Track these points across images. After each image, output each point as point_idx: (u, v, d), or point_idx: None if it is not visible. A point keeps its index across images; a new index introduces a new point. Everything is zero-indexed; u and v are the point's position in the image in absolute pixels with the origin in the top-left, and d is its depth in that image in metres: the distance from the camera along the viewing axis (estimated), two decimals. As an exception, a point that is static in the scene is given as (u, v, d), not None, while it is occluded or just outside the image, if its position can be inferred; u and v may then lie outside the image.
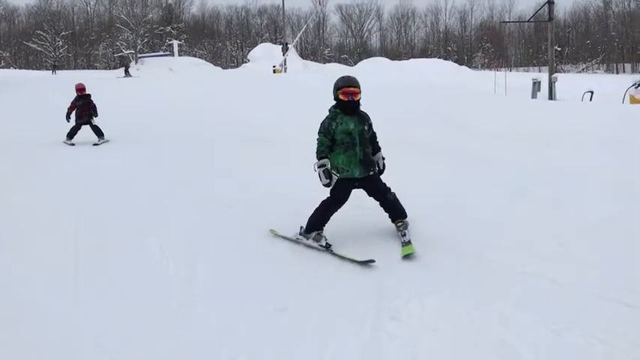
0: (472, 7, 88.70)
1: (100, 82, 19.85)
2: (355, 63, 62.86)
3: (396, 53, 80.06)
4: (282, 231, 5.20)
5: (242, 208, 6.11)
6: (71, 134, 11.19)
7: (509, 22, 79.82)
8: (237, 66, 70.71)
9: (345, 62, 73.30)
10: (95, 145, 10.99)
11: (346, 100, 4.78)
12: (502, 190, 6.52)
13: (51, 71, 46.39)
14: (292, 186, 6.81)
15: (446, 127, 11.47)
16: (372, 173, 4.93)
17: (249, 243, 5.08)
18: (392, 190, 5.00)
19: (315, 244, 4.87)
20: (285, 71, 44.45)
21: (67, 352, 3.38)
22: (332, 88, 4.89)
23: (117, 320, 3.71)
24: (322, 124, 4.85)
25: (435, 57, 65.45)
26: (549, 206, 5.88)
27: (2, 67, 64.94)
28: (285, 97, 17.46)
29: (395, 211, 4.99)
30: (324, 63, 67.94)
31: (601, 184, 6.62)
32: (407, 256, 4.55)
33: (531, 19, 40.07)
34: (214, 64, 67.99)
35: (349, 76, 4.91)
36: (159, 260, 4.72)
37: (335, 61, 73.47)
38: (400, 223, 4.93)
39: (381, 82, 19.65)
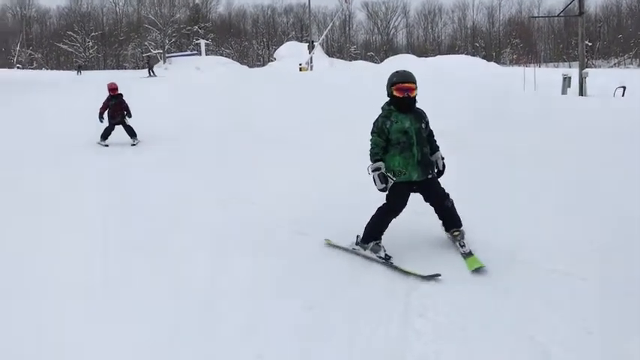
0: (500, 2, 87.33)
1: (127, 82, 20.06)
2: (381, 60, 62.57)
3: (422, 50, 79.44)
4: (335, 240, 4.88)
5: (269, 208, 6.14)
6: (105, 135, 10.99)
7: (539, 17, 78.42)
8: (263, 64, 71.02)
9: (372, 59, 73.03)
10: (133, 145, 10.83)
11: (401, 97, 4.44)
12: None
13: (76, 72, 46.51)
14: (323, 186, 6.85)
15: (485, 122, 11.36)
16: (430, 176, 4.58)
17: (276, 242, 5.10)
18: (450, 196, 4.67)
19: (374, 256, 4.53)
20: (311, 69, 44.54)
21: (93, 351, 3.47)
22: (383, 85, 4.61)
23: (144, 317, 3.77)
24: (375, 123, 4.54)
25: (462, 53, 64.76)
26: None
27: (34, 68, 66.37)
28: (312, 95, 17.48)
29: (451, 218, 4.67)
30: (350, 60, 67.82)
31: None
32: (477, 270, 4.22)
33: (561, 14, 39.32)
34: (241, 63, 68.35)
35: (404, 71, 4.53)
36: (187, 258, 4.78)
37: (361, 59, 73.23)
38: (457, 233, 4.63)
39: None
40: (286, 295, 4.02)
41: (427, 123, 4.63)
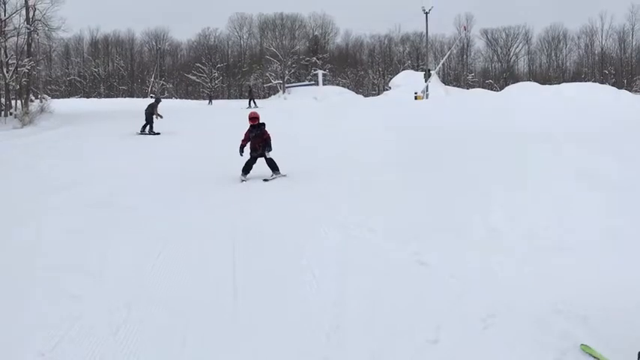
0: (633, 26, 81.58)
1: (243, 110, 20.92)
2: (501, 88, 60.68)
3: (545, 77, 75.99)
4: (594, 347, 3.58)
5: (385, 236, 6.08)
6: (246, 169, 9.95)
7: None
8: (378, 93, 71.50)
9: (490, 87, 71.06)
10: (265, 180, 9.69)
11: None
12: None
13: (207, 101, 49.55)
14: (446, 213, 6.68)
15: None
16: None
17: (401, 269, 5.03)
18: None
19: None
20: (427, 97, 44.17)
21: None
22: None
23: (274, 340, 3.83)
24: None
25: (589, 81, 61.19)
26: None
27: (166, 97, 71.70)
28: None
29: None
30: (468, 88, 66.46)
31: None
32: None
33: None
34: (356, 92, 69.35)
35: None
36: (309, 280, 4.83)
37: (479, 87, 71.51)
38: None
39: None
40: (409, 325, 3.91)
41: None
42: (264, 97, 67.62)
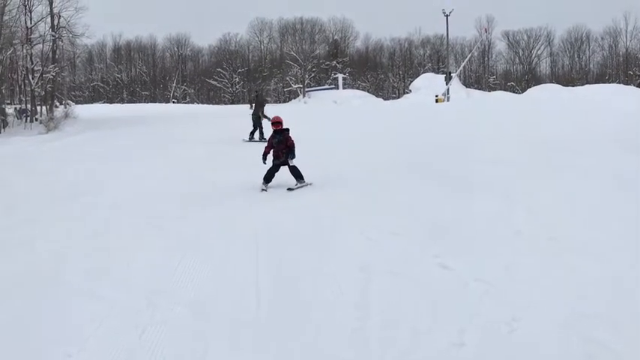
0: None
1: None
2: (523, 90, 60.12)
3: (568, 79, 75.09)
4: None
5: (407, 239, 6.07)
6: (267, 178, 9.33)
7: None
8: (398, 97, 71.38)
9: (512, 90, 70.45)
10: (289, 189, 9.15)
11: None
12: None
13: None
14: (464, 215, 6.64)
15: None
16: None
17: (423, 273, 5.01)
18: None
19: None
20: (447, 100, 43.96)
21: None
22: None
23: (297, 342, 3.85)
24: None
25: (613, 82, 60.32)
26: None
27: (187, 102, 72.27)
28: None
29: None
30: (489, 91, 65.98)
31: None
32: None
33: None
34: (376, 96, 69.29)
35: None
36: (331, 283, 4.84)
37: (500, 89, 70.95)
38: None
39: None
40: (432, 327, 3.91)
41: None
42: (284, 102, 67.87)
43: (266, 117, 15.95)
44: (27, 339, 4.04)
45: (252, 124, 17.30)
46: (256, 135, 17.04)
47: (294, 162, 9.41)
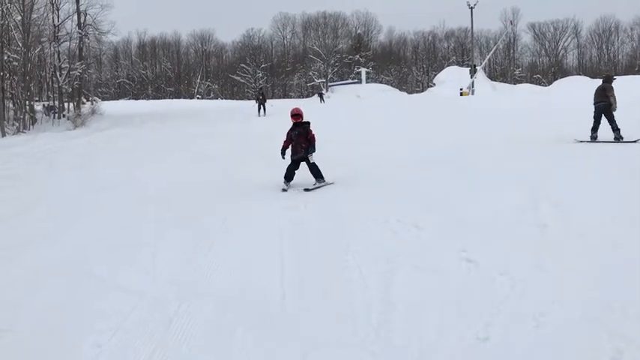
0: (690, 15, 78.27)
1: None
2: (549, 83, 59.16)
3: (596, 71, 73.71)
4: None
5: (432, 233, 6.03)
6: (288, 176, 8.94)
7: None
8: (422, 90, 70.89)
9: (538, 82, 69.39)
10: (306, 190, 8.65)
11: None
12: None
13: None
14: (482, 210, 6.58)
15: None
16: None
17: (448, 267, 4.98)
18: None
19: None
20: (472, 94, 43.51)
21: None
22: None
23: (322, 335, 3.87)
24: None
25: (643, 73, 58.92)
26: None
27: (211, 98, 72.76)
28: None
29: None
30: (515, 84, 65.10)
31: None
32: None
33: None
34: (400, 90, 68.94)
35: None
36: (356, 277, 4.84)
37: (526, 82, 69.95)
38: None
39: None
40: (458, 321, 3.89)
41: None
42: (307, 97, 67.88)
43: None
44: (57, 330, 4.13)
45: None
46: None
47: (313, 158, 8.92)
